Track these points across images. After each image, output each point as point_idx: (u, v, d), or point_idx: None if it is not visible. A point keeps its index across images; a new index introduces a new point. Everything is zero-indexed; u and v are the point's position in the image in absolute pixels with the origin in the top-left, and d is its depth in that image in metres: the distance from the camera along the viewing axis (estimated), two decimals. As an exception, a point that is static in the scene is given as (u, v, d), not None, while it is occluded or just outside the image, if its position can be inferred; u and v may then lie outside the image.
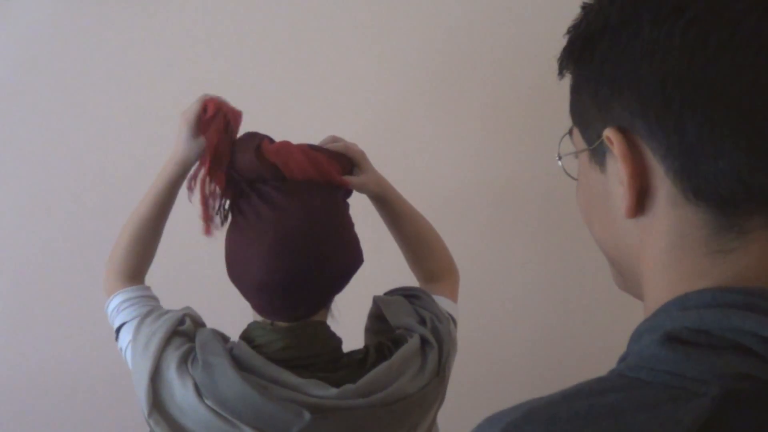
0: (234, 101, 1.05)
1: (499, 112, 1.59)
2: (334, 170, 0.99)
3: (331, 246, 0.94)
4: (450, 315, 1.09)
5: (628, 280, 0.53)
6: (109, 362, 1.54)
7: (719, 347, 0.42)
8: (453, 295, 1.15)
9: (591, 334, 1.64)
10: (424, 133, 1.59)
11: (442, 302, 1.10)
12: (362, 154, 1.07)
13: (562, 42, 0.52)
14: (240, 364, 0.91)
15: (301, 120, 1.52)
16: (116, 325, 1.06)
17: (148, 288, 1.10)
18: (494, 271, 1.64)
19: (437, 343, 0.99)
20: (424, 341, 0.99)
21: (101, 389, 1.60)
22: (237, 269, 0.96)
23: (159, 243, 1.11)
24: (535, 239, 1.65)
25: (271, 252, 0.91)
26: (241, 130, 1.03)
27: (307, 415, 0.87)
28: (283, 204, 0.93)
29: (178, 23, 1.53)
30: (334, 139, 1.07)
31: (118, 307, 1.06)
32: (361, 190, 1.06)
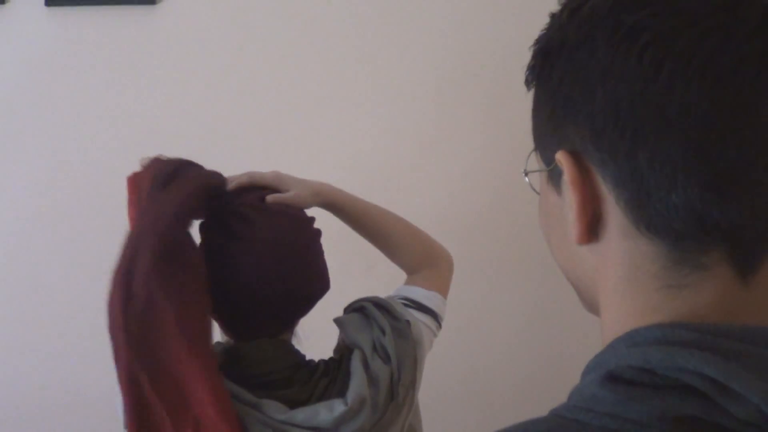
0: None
1: (500, 120, 1.59)
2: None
3: (296, 273, 0.94)
4: (429, 308, 1.04)
5: (590, 306, 0.51)
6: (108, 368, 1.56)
7: (663, 387, 0.39)
8: (430, 286, 1.08)
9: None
10: (422, 144, 1.59)
11: (416, 293, 1.06)
12: (275, 175, 1.02)
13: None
14: None
15: (296, 130, 1.51)
16: None
17: None
18: (487, 287, 1.64)
19: (386, 365, 0.94)
20: (366, 365, 0.93)
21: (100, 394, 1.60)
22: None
23: None
24: (531, 254, 1.65)
25: (235, 276, 0.92)
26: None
27: None
28: (254, 225, 0.93)
29: (174, 32, 1.54)
30: (250, 176, 1.02)
31: None
32: (300, 204, 1.02)
